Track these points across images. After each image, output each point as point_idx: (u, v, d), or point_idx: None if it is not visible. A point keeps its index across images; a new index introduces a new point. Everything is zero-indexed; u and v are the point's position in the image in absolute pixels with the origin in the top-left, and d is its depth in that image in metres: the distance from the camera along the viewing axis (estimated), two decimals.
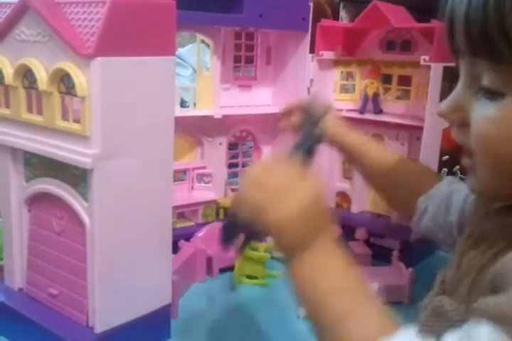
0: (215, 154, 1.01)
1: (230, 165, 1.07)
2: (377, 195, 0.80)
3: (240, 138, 1.08)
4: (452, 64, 0.95)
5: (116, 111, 0.56)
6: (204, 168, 1.00)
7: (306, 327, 0.49)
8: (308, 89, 1.02)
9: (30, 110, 0.60)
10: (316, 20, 1.02)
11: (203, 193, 0.97)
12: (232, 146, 1.07)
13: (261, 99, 1.07)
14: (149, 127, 0.60)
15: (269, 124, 1.08)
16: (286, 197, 0.47)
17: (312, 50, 1.01)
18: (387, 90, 1.01)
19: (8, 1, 0.60)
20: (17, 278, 0.67)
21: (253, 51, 1.05)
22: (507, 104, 0.39)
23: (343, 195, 1.07)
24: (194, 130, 0.99)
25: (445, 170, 1.35)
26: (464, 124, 0.44)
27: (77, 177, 0.58)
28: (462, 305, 0.45)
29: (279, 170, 0.50)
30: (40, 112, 0.59)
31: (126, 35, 0.56)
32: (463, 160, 0.48)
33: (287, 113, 0.78)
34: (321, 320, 0.43)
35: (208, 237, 0.87)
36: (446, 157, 1.34)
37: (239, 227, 0.52)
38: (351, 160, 0.77)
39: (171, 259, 0.67)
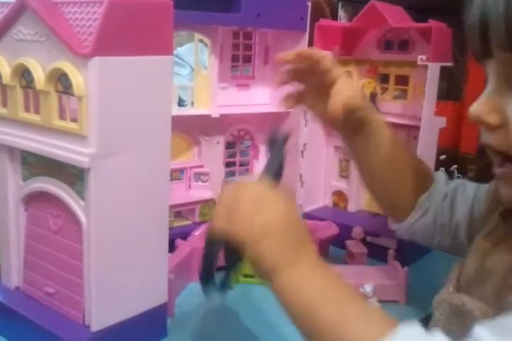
0: (212, 153, 1.01)
1: (228, 164, 1.07)
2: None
3: (238, 137, 1.08)
4: (449, 64, 0.95)
5: (113, 111, 0.56)
6: (201, 166, 1.00)
7: None
8: None
9: (27, 109, 0.61)
10: (314, 19, 1.02)
11: (200, 192, 0.98)
12: (229, 145, 1.07)
13: (259, 99, 1.07)
14: (146, 126, 0.60)
15: (267, 123, 1.09)
16: (262, 213, 0.47)
17: None
18: (384, 90, 1.02)
19: (6, 1, 0.60)
20: (14, 276, 0.68)
21: (251, 50, 1.05)
22: None
23: (339, 194, 1.07)
24: (192, 129, 0.99)
25: (442, 169, 1.36)
26: (501, 126, 0.42)
27: (74, 176, 0.58)
28: (485, 304, 0.45)
29: (251, 192, 0.50)
30: (37, 111, 0.59)
31: (123, 35, 0.56)
32: (496, 168, 0.46)
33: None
34: (317, 329, 0.43)
35: (204, 236, 0.87)
36: (444, 156, 1.35)
37: (217, 256, 0.52)
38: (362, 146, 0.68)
39: (167, 258, 0.67)
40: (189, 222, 0.95)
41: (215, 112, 0.95)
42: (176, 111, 0.93)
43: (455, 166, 1.34)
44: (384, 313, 0.43)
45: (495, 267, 0.47)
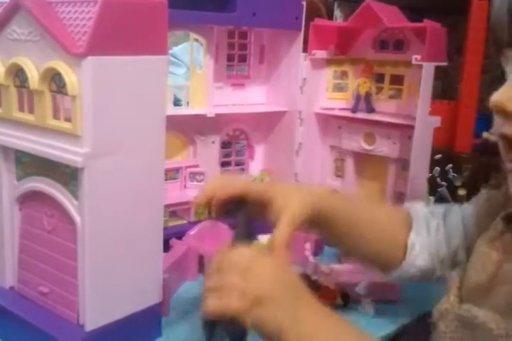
0: (207, 153, 1.01)
1: (223, 164, 1.07)
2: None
3: (233, 136, 1.08)
4: (444, 63, 0.96)
5: (107, 110, 0.56)
6: (197, 166, 1.00)
7: None
8: (301, 88, 1.02)
9: (21, 109, 0.60)
10: (310, 19, 1.02)
11: (196, 192, 0.97)
12: (225, 145, 1.07)
13: (254, 98, 1.08)
14: (141, 126, 0.60)
15: (263, 123, 1.09)
16: (253, 281, 0.47)
17: (305, 49, 1.02)
18: (379, 89, 1.02)
19: (0, 1, 0.60)
20: (8, 276, 0.68)
21: (246, 50, 1.05)
22: None
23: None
24: (187, 128, 0.99)
25: (437, 168, 1.36)
26: None
27: (68, 175, 0.58)
28: (497, 315, 0.43)
29: (236, 262, 0.49)
30: (31, 111, 0.59)
31: (117, 35, 0.56)
32: (509, 164, 0.45)
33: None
34: None
35: (200, 235, 0.87)
36: (439, 156, 1.35)
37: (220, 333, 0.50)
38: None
39: (162, 257, 0.67)
40: (184, 222, 0.95)
41: (210, 112, 0.95)
42: (172, 110, 0.93)
43: (450, 165, 1.35)
44: None
45: (507, 276, 0.45)
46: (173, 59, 1.45)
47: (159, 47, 0.61)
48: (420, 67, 0.88)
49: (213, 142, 1.02)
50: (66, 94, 0.55)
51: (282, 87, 1.05)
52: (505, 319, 0.43)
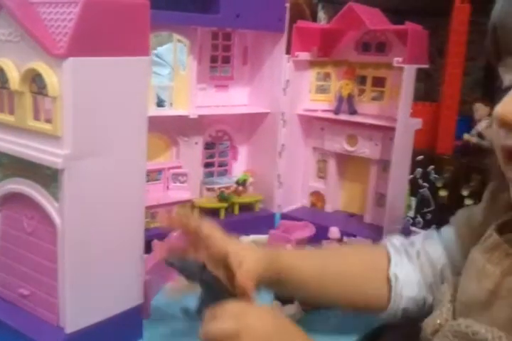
0: (190, 154, 1.01)
1: (207, 165, 1.07)
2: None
3: (216, 138, 1.08)
4: (425, 66, 0.96)
5: (88, 112, 0.56)
6: (179, 167, 1.00)
7: None
8: (284, 89, 1.03)
9: (1, 110, 0.60)
10: (294, 20, 1.03)
11: (178, 193, 0.97)
12: (208, 146, 1.07)
13: (237, 99, 1.08)
14: (122, 127, 0.60)
15: (246, 124, 1.09)
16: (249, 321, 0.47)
17: (289, 51, 1.02)
18: (362, 91, 1.03)
19: None
20: None
21: (230, 51, 1.06)
22: None
23: (317, 195, 1.08)
24: (170, 129, 0.99)
25: (419, 170, 1.37)
26: None
27: (48, 177, 0.58)
28: (500, 330, 0.42)
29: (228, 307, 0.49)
30: (11, 112, 0.59)
31: (99, 36, 0.55)
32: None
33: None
34: None
35: (182, 237, 0.87)
36: (421, 157, 1.36)
37: None
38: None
39: (143, 259, 0.67)
40: None
41: (193, 113, 0.95)
42: (154, 111, 0.93)
43: (432, 167, 1.36)
44: None
45: (508, 291, 0.43)
46: (158, 59, 1.44)
47: (141, 48, 0.61)
48: (402, 69, 0.89)
49: (196, 143, 1.02)
50: (47, 95, 0.55)
51: (265, 88, 1.06)
52: (510, 334, 0.42)
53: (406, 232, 1.00)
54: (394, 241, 0.64)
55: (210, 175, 1.08)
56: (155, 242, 0.84)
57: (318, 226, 0.95)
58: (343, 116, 1.00)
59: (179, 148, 1.01)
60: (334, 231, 0.91)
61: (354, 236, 0.94)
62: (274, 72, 1.04)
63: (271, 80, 1.04)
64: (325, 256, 0.63)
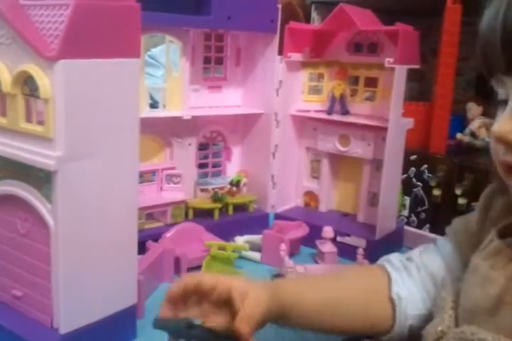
0: (184, 155, 1.02)
1: (200, 166, 1.08)
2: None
3: (210, 138, 1.08)
4: (417, 66, 0.97)
5: (80, 113, 0.56)
6: (173, 168, 1.00)
7: (273, 327, 0.49)
8: (277, 90, 1.03)
9: None
10: (287, 21, 1.03)
11: (172, 194, 0.98)
12: (202, 147, 1.08)
13: (231, 100, 1.08)
14: (114, 129, 0.60)
15: (239, 125, 1.10)
16: None
17: (281, 52, 1.03)
18: (354, 92, 1.03)
19: None
20: None
21: (223, 52, 1.06)
22: None
23: (311, 195, 1.09)
24: (163, 131, 0.99)
25: (413, 169, 1.38)
26: None
27: (41, 179, 0.58)
28: (504, 337, 0.41)
29: None
30: (3, 114, 0.59)
31: (90, 38, 0.56)
32: None
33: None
34: None
35: (176, 237, 0.87)
36: (414, 156, 1.37)
37: None
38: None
39: (136, 260, 0.67)
40: (161, 224, 0.95)
41: (186, 114, 0.96)
42: (148, 113, 0.93)
43: (425, 166, 1.37)
44: None
45: None
46: (152, 60, 1.45)
47: (132, 50, 0.61)
48: (393, 69, 0.89)
49: (190, 144, 1.02)
50: (39, 97, 0.55)
51: (258, 89, 1.06)
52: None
53: (400, 231, 1.01)
54: (392, 259, 0.62)
55: (204, 175, 1.09)
56: (149, 243, 0.85)
57: (312, 225, 0.96)
58: (335, 117, 1.01)
59: (173, 149, 1.01)
60: (328, 231, 0.92)
61: (348, 235, 0.95)
62: (267, 73, 1.04)
63: (264, 81, 1.05)
64: (325, 287, 0.60)
